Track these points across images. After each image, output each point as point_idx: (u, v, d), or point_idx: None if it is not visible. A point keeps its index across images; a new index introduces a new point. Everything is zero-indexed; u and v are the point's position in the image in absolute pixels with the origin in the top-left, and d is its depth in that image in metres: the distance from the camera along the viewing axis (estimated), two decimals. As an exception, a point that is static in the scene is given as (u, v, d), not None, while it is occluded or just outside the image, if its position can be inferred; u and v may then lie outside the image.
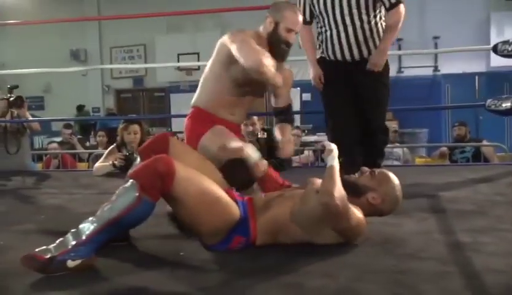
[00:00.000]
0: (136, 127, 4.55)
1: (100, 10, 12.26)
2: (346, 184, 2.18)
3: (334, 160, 2.16)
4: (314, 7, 3.46)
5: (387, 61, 3.47)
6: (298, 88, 11.57)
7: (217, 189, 2.16)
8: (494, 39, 9.96)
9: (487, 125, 9.58)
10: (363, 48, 3.40)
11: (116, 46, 12.38)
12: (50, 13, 10.18)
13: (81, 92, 12.14)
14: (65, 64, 11.54)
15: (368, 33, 3.37)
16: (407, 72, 10.93)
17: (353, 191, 2.23)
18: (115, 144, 4.66)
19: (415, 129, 9.50)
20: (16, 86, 4.90)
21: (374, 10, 3.35)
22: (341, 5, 3.33)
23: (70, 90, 11.79)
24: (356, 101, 3.48)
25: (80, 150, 7.38)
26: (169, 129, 11.28)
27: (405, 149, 6.40)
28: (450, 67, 10.63)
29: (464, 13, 10.01)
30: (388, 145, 6.70)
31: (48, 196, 3.72)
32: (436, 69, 10.90)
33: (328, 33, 3.45)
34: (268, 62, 2.54)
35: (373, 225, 2.31)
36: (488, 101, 3.99)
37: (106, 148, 7.05)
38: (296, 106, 11.48)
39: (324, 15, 3.42)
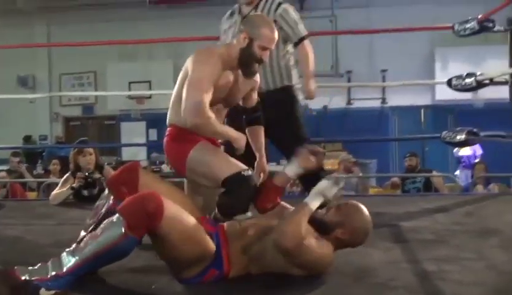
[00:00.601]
0: (90, 149, 4.51)
1: (50, 36, 12.05)
2: (313, 223, 2.21)
3: (314, 200, 2.20)
4: None
5: (293, 92, 3.60)
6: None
7: (197, 225, 2.15)
8: (438, 73, 10.38)
9: (433, 156, 9.87)
10: (274, 80, 3.51)
11: (66, 73, 12.17)
12: (-3, 37, 9.97)
13: (29, 119, 11.85)
14: (13, 90, 11.26)
15: (276, 68, 3.48)
16: (357, 104, 11.19)
17: (321, 229, 2.24)
18: (69, 172, 4.57)
19: (366, 160, 9.67)
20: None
21: (278, 44, 3.39)
22: None
23: (17, 118, 11.48)
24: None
25: (28, 178, 7.18)
26: (119, 158, 11.12)
27: (360, 179, 6.52)
28: (397, 99, 10.92)
29: (410, 48, 10.33)
30: (346, 176, 6.84)
31: (3, 228, 3.58)
32: (383, 101, 11.18)
33: None
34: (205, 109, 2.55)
35: (342, 254, 2.34)
36: (444, 133, 4.12)
37: (60, 176, 6.92)
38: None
39: None
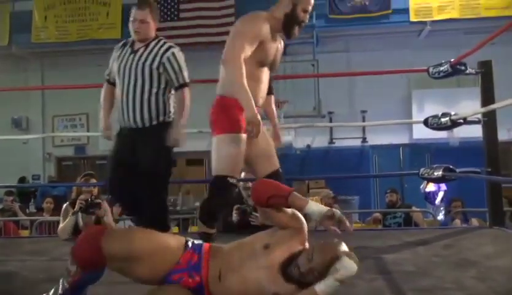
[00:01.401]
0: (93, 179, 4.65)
1: (44, 79, 12.09)
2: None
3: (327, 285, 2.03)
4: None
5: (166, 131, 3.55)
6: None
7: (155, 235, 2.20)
8: (415, 114, 10.54)
9: (412, 192, 9.94)
10: (142, 116, 3.49)
11: (59, 115, 12.18)
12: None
13: (22, 160, 11.78)
14: (7, 132, 11.24)
15: (146, 104, 3.48)
16: (338, 143, 11.30)
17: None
18: (67, 203, 4.58)
19: (348, 197, 9.72)
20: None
21: (159, 83, 3.50)
22: (129, 73, 3.46)
23: (11, 158, 11.41)
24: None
25: (22, 217, 7.12)
26: (110, 196, 11.03)
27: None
28: (377, 139, 11.05)
29: (388, 90, 10.51)
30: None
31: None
32: (364, 140, 11.30)
33: (119, 98, 3.54)
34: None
35: None
36: (422, 170, 4.21)
37: (53, 214, 6.89)
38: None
39: (117, 79, 3.57)
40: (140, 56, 3.46)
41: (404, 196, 9.83)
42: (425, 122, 4.28)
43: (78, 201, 4.34)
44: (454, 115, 4.08)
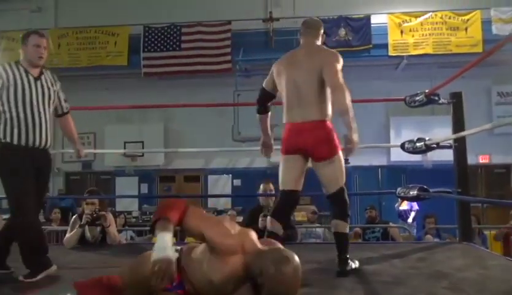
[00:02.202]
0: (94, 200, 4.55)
1: (56, 102, 12.06)
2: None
3: None
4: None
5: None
6: (230, 175, 11.70)
7: None
8: (393, 138, 10.60)
9: (388, 210, 9.96)
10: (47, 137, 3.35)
11: (69, 133, 12.11)
12: None
13: (33, 173, 11.70)
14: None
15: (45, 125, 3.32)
16: (323, 164, 11.28)
17: None
18: (76, 215, 4.56)
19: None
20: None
21: (49, 107, 3.37)
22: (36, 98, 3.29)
23: (23, 171, 11.34)
24: None
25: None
26: (114, 208, 10.98)
27: (326, 229, 6.52)
28: (358, 160, 11.03)
29: (369, 117, 10.50)
30: (309, 226, 6.85)
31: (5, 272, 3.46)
32: (346, 161, 11.20)
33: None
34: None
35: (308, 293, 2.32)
36: (399, 189, 4.21)
37: (60, 224, 6.84)
38: (228, 191, 11.57)
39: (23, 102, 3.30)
40: (46, 82, 3.35)
41: (382, 213, 9.84)
42: (402, 146, 4.31)
43: (84, 216, 4.33)
44: (428, 140, 4.11)
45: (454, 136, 4.09)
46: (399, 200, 8.55)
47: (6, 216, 7.83)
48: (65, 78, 11.60)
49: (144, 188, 11.96)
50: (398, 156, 9.08)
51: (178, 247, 2.33)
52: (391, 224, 6.83)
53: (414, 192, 4.00)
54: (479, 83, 10.36)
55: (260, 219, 4.41)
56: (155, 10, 11.54)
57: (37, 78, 3.29)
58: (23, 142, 3.20)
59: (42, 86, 3.30)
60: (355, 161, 11.14)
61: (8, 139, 3.18)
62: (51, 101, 3.37)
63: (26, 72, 3.26)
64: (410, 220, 8.79)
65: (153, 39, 11.05)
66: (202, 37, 10.99)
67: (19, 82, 3.21)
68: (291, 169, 3.28)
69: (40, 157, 3.30)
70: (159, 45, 11.02)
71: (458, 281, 2.87)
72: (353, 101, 5.92)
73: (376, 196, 10.50)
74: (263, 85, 3.54)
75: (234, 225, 2.23)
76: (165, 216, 2.15)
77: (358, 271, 3.18)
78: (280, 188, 3.30)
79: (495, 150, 11.05)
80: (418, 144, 4.15)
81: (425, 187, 4.02)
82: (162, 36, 11.06)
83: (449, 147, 4.25)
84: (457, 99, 4.27)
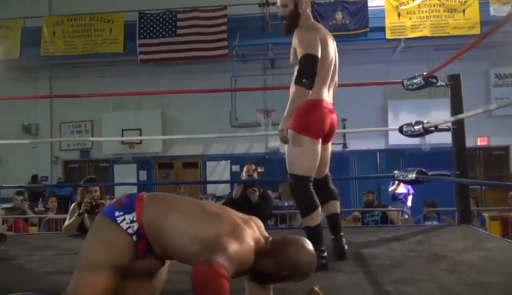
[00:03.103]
0: (96, 187, 4.56)
1: (52, 89, 12.03)
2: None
3: None
4: None
5: None
6: (228, 161, 11.70)
7: None
8: (391, 122, 10.58)
9: (388, 193, 9.98)
10: None
11: (66, 121, 12.10)
12: (4, 89, 9.86)
13: (31, 162, 11.69)
14: (17, 136, 11.15)
15: None
16: (321, 149, 11.28)
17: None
18: (75, 203, 4.55)
19: (329, 197, 9.73)
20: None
21: None
22: None
23: (21, 161, 11.33)
24: None
25: (30, 215, 7.05)
26: (113, 196, 10.98)
27: (323, 212, 6.52)
28: (356, 144, 11.08)
29: (366, 100, 10.56)
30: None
31: (6, 258, 3.47)
32: (344, 146, 11.31)
33: None
34: None
35: (308, 279, 2.30)
36: (396, 172, 4.21)
37: (57, 213, 6.83)
38: (226, 176, 11.57)
39: None
40: None
41: (381, 197, 9.85)
42: (400, 130, 4.29)
43: (83, 204, 4.33)
44: (426, 123, 4.09)
45: (453, 119, 4.06)
46: (395, 183, 8.56)
47: (6, 205, 7.89)
48: (62, 66, 11.71)
49: (143, 176, 11.96)
50: (396, 139, 9.07)
51: None
52: (390, 208, 6.84)
53: (412, 175, 3.99)
54: (477, 65, 10.35)
55: None
56: (150, -4, 11.45)
57: None
58: None
59: None
60: (352, 145, 11.20)
61: None
62: None
63: None
64: (409, 203, 8.81)
65: (148, 26, 10.98)
66: (198, 23, 10.91)
67: None
68: (318, 156, 2.99)
69: None
70: (155, 31, 10.95)
71: (457, 263, 2.87)
72: (350, 85, 5.93)
73: (374, 180, 10.50)
74: (314, 53, 2.77)
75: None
76: None
77: (357, 255, 3.19)
78: (305, 174, 2.92)
79: (493, 132, 11.05)
80: (416, 127, 4.12)
81: (424, 170, 4.02)
82: (158, 22, 10.98)
83: (448, 129, 4.23)
84: (455, 82, 4.25)
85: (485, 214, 6.78)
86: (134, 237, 1.88)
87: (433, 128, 4.09)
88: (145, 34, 10.97)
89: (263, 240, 1.97)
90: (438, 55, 9.33)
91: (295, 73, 2.84)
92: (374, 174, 10.55)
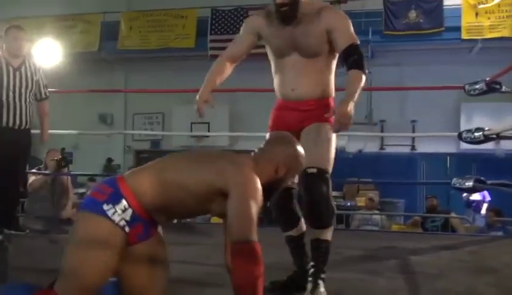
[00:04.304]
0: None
1: (127, 81, 12.55)
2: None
3: None
4: None
5: None
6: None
7: None
8: (463, 125, 10.19)
9: (457, 198, 9.65)
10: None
11: (139, 113, 12.61)
12: (83, 80, 10.43)
13: (105, 151, 12.29)
14: (94, 126, 11.78)
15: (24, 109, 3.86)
16: (388, 150, 11.11)
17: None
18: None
19: (394, 199, 9.58)
20: (64, 149, 5.08)
21: (27, 94, 3.88)
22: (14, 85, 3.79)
23: (96, 149, 11.95)
24: None
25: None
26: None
27: (383, 216, 6.47)
28: (425, 147, 10.78)
29: (439, 101, 10.23)
30: (367, 213, 6.81)
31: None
32: (413, 147, 11.04)
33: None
34: None
35: (347, 279, 2.37)
36: (454, 179, 4.09)
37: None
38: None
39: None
40: (26, 72, 3.83)
41: (450, 202, 9.57)
42: (459, 136, 4.19)
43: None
44: (487, 130, 3.97)
45: (516, 126, 3.91)
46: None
47: (80, 190, 8.40)
48: (136, 60, 12.23)
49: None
50: (469, 145, 8.77)
51: None
52: (453, 214, 6.66)
53: (469, 183, 3.87)
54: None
55: None
56: (223, -7, 11.68)
57: (16, 69, 3.77)
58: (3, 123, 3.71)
59: (21, 76, 3.77)
60: (421, 147, 10.93)
61: None
62: (29, 90, 3.84)
63: (7, 63, 3.74)
64: (483, 211, 8.47)
65: (220, 22, 11.22)
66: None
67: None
68: None
69: (20, 136, 3.80)
70: (226, 27, 11.18)
71: (503, 278, 2.81)
72: (412, 88, 5.81)
73: (444, 185, 10.18)
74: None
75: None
76: None
77: (403, 261, 3.19)
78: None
79: None
80: (476, 134, 3.99)
81: (482, 178, 3.90)
82: (230, 19, 11.20)
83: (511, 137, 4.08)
84: (522, 88, 4.08)
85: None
86: (127, 228, 1.79)
87: (495, 136, 3.96)
88: (216, 30, 11.22)
89: (252, 163, 1.95)
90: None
91: (353, 57, 2.46)
92: (437, 180, 10.22)
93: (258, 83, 10.75)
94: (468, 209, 8.36)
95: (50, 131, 4.25)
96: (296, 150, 2.00)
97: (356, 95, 2.34)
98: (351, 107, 2.24)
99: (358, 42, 2.48)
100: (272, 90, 2.80)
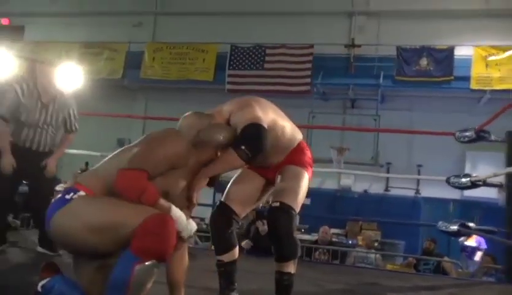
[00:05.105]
0: None
1: (147, 108, 12.78)
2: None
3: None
4: None
5: None
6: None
7: None
8: (468, 172, 10.14)
9: (456, 243, 9.57)
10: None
11: (156, 139, 12.78)
12: (105, 105, 10.65)
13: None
14: (112, 149, 11.92)
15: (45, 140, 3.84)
16: (393, 192, 11.11)
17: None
18: None
19: (395, 241, 9.53)
20: (87, 163, 5.16)
21: (52, 127, 3.85)
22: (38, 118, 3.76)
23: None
24: None
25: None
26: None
27: (377, 255, 6.46)
28: (429, 191, 10.72)
29: (445, 148, 10.18)
30: (364, 251, 6.81)
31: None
32: (417, 191, 11.02)
33: None
34: None
35: None
36: (439, 223, 4.17)
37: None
38: (297, 208, 11.63)
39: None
40: (54, 108, 3.78)
41: (450, 248, 9.47)
42: (447, 181, 4.25)
43: None
44: (474, 176, 4.03)
45: (504, 172, 3.97)
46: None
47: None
48: (157, 89, 12.50)
49: (218, 197, 12.34)
50: (472, 191, 8.70)
51: None
52: (446, 258, 6.62)
53: (454, 227, 3.94)
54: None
55: None
56: (242, 31, 11.94)
57: (45, 104, 3.71)
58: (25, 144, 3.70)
59: (47, 111, 3.73)
60: (426, 192, 10.89)
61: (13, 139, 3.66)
62: (55, 124, 3.80)
63: (38, 97, 3.68)
64: (477, 258, 8.38)
65: (238, 58, 11.48)
66: (285, 59, 11.24)
67: (29, 104, 3.64)
68: None
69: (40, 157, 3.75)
70: (243, 63, 11.43)
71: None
72: (412, 132, 5.85)
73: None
74: None
75: None
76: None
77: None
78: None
79: None
80: (463, 180, 4.08)
81: (467, 223, 3.95)
82: (248, 55, 11.46)
83: (499, 185, 4.13)
84: (510, 138, 4.15)
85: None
86: None
87: (481, 182, 4.02)
88: (234, 65, 11.48)
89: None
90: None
91: None
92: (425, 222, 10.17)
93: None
94: (462, 254, 8.27)
95: (71, 150, 4.25)
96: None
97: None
98: None
99: None
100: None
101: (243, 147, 2.22)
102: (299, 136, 2.64)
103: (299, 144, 2.60)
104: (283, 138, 2.52)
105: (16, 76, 3.91)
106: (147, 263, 1.86)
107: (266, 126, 2.33)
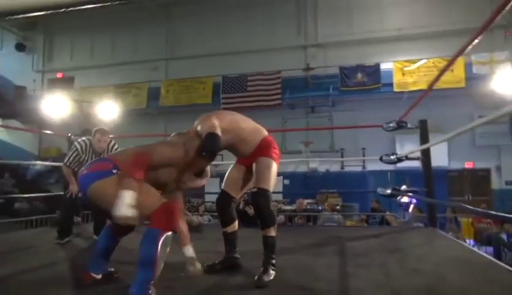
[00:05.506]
0: None
1: (166, 129, 12.67)
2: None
3: None
4: None
5: None
6: (281, 176, 11.76)
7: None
8: (398, 151, 10.17)
9: (396, 202, 9.61)
10: None
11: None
12: (134, 129, 10.43)
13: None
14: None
15: None
16: (347, 169, 11.14)
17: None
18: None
19: (352, 204, 9.57)
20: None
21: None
22: None
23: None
24: None
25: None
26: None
27: (339, 215, 6.47)
28: (372, 166, 10.78)
29: (381, 135, 10.03)
30: (329, 214, 6.81)
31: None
32: (364, 167, 11.07)
33: None
34: None
35: (296, 261, 2.37)
36: (378, 189, 4.18)
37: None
38: (280, 188, 11.62)
39: None
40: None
41: (392, 205, 9.49)
42: (380, 158, 4.27)
43: None
44: (398, 154, 4.06)
45: (420, 148, 4.00)
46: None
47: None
48: (172, 113, 12.42)
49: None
50: (404, 163, 8.75)
51: None
52: (388, 213, 6.66)
53: (388, 191, 3.96)
54: (463, 109, 9.87)
55: None
56: (230, 66, 11.92)
57: (98, 154, 3.54)
58: None
59: (100, 155, 3.53)
60: (370, 167, 10.94)
61: None
62: None
63: (93, 152, 3.55)
64: (410, 210, 8.44)
65: (228, 85, 11.43)
66: (262, 83, 11.20)
67: (86, 157, 3.54)
68: None
69: None
70: (232, 88, 11.38)
71: (407, 255, 2.84)
72: (361, 127, 5.83)
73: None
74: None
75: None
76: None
77: (341, 245, 3.21)
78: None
79: (478, 157, 10.41)
80: (391, 157, 4.11)
81: (397, 187, 3.98)
82: (235, 82, 11.41)
83: (416, 158, 4.15)
84: (422, 125, 4.19)
85: (463, 220, 6.46)
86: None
87: (404, 157, 4.05)
88: (226, 90, 11.43)
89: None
90: (433, 102, 9.02)
91: None
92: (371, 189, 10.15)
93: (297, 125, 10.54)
94: (400, 208, 8.32)
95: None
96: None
97: None
98: None
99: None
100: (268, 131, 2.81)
101: (203, 154, 2.23)
102: (264, 132, 2.58)
103: (265, 139, 2.53)
104: (247, 132, 2.48)
105: (80, 140, 3.63)
106: (165, 235, 1.94)
107: (218, 132, 2.30)
